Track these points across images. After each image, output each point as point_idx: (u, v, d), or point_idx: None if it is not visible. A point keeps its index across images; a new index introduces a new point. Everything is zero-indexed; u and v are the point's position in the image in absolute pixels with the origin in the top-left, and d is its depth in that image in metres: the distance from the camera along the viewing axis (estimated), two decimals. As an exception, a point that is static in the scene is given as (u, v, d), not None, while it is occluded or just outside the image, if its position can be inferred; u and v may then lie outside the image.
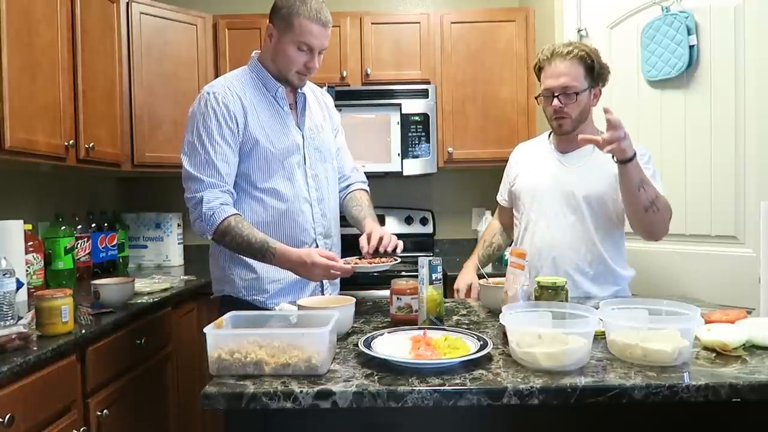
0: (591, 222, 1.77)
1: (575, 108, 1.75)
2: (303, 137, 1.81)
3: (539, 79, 1.84)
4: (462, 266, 2.07)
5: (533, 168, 1.92)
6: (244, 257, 1.72)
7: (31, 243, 2.08)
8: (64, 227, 2.34)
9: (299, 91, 1.83)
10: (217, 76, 2.95)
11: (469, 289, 1.95)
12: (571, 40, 1.79)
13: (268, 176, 1.74)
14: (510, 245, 2.08)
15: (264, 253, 1.63)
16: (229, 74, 1.83)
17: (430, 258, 1.44)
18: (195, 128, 1.70)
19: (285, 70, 1.75)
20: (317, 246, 1.80)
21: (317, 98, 1.95)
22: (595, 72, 1.75)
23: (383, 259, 1.67)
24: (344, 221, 1.92)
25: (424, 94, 2.95)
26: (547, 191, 1.83)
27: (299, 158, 1.79)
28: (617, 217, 1.79)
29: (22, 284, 1.96)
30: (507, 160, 2.09)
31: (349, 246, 1.91)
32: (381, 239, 1.67)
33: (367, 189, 2.02)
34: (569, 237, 1.78)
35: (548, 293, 1.36)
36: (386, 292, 1.54)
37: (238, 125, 1.70)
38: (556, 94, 1.74)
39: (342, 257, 1.76)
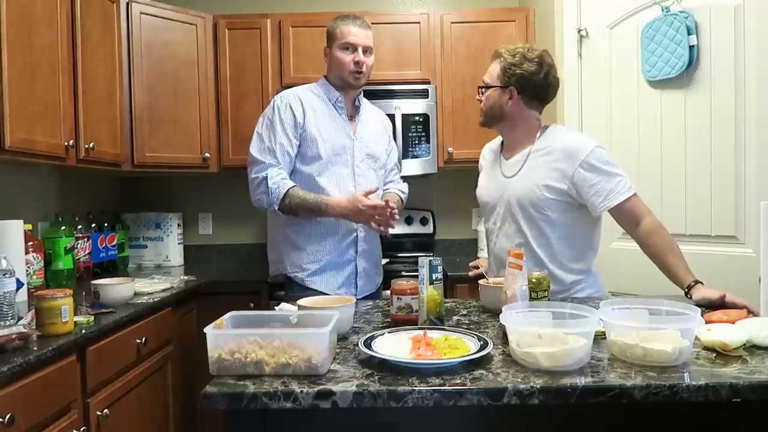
0: (527, 229, 1.80)
1: (486, 102, 1.87)
2: (354, 141, 2.08)
3: None
4: (462, 266, 2.08)
5: (486, 176, 2.01)
6: (295, 240, 2.05)
7: (31, 243, 2.08)
8: (64, 227, 2.34)
9: (358, 105, 2.14)
10: (217, 76, 2.97)
11: (477, 267, 2.07)
12: (528, 45, 1.89)
13: (319, 169, 2.02)
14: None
15: (319, 206, 1.93)
16: (299, 86, 2.14)
17: (431, 258, 1.44)
18: (262, 123, 2.05)
19: (341, 73, 2.04)
20: (358, 236, 2.08)
21: (379, 118, 2.26)
22: (507, 74, 1.82)
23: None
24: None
25: (424, 94, 2.95)
26: (495, 201, 1.90)
27: (348, 158, 2.06)
28: (558, 223, 1.80)
29: (22, 284, 1.96)
30: None
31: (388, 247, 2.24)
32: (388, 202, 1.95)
33: (402, 196, 2.26)
34: (513, 244, 1.82)
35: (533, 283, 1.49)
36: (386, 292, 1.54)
37: (297, 122, 2.00)
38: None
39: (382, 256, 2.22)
